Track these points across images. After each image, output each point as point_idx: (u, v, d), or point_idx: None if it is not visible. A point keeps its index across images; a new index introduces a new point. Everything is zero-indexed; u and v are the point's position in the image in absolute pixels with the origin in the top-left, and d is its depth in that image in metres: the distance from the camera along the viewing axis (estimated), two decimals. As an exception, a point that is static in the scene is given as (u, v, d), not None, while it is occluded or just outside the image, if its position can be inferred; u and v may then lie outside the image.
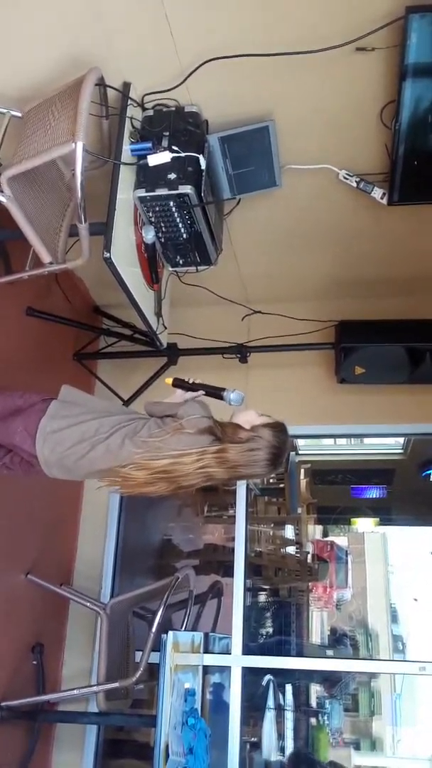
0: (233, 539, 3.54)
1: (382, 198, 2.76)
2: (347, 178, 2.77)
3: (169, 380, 2.18)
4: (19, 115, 2.43)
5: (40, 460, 2.04)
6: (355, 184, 2.77)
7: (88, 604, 3.17)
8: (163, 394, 2.33)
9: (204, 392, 2.15)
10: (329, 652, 6.27)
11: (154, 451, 1.98)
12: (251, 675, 3.61)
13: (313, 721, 5.59)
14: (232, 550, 3.50)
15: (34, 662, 3.14)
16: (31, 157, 2.14)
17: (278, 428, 2.04)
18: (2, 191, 2.21)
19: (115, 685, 2.74)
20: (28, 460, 2.11)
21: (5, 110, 2.46)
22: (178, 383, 2.17)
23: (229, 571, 3.59)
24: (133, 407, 3.49)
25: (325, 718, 5.72)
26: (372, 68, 2.34)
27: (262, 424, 2.03)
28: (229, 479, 2.05)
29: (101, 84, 2.34)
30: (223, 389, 2.14)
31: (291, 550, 5.86)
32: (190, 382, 2.16)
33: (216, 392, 2.15)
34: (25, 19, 2.27)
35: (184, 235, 2.72)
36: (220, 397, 2.14)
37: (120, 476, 1.98)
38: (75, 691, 3.03)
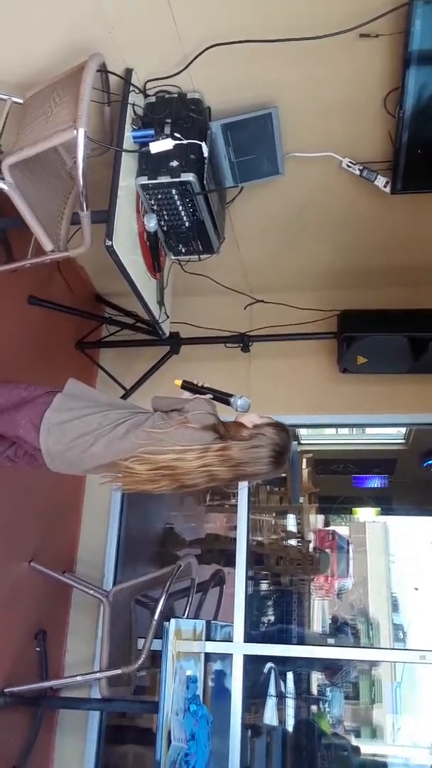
0: (235, 528, 3.55)
1: (385, 186, 2.74)
2: (350, 166, 2.76)
3: (179, 382, 2.18)
4: (21, 101, 2.41)
5: (44, 453, 2.04)
6: (358, 173, 2.75)
7: (90, 591, 3.19)
8: (166, 385, 2.32)
9: (212, 396, 2.15)
10: (330, 641, 6.31)
11: (157, 444, 1.97)
12: (253, 663, 3.63)
13: (314, 708, 5.64)
14: (234, 538, 3.51)
15: (37, 649, 3.16)
16: (32, 144, 2.13)
17: (280, 427, 2.06)
18: (3, 178, 2.20)
19: (118, 671, 2.76)
20: (32, 452, 2.11)
21: (6, 97, 2.45)
22: (187, 385, 2.17)
23: (230, 560, 3.61)
24: (135, 396, 3.50)
25: (326, 705, 5.76)
26: (376, 55, 2.32)
27: (264, 423, 2.05)
28: (232, 479, 2.04)
29: (103, 70, 2.33)
30: (231, 395, 2.14)
31: (293, 539, 5.89)
32: (199, 385, 2.16)
33: (223, 397, 2.15)
34: (26, 4, 2.25)
35: (187, 224, 2.71)
36: (227, 403, 2.14)
37: (122, 470, 1.98)
38: (78, 678, 3.05)
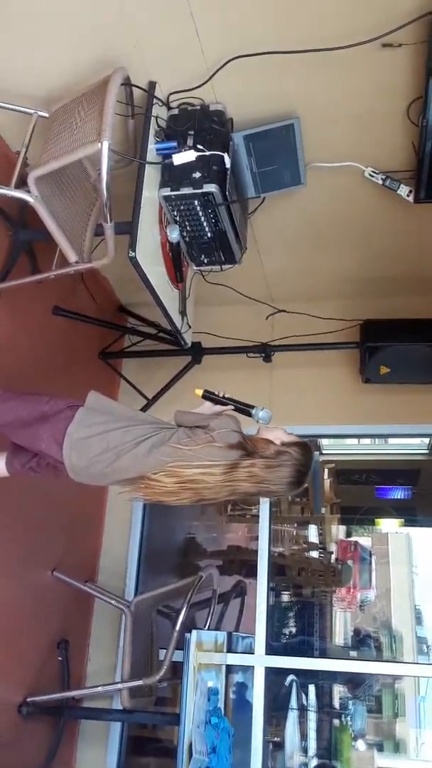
0: (256, 538, 3.53)
1: (408, 195, 2.73)
2: (373, 176, 2.75)
3: (199, 391, 2.17)
4: (46, 115, 2.45)
5: (67, 467, 2.04)
6: (380, 182, 2.75)
7: (112, 601, 3.19)
8: (188, 394, 2.30)
9: (233, 407, 2.14)
10: (353, 653, 6.23)
11: (184, 459, 1.98)
12: (274, 675, 3.60)
13: (336, 722, 5.56)
14: (256, 549, 3.50)
15: (60, 658, 3.16)
16: (57, 157, 2.16)
17: (306, 447, 2.06)
18: (29, 191, 2.24)
19: (139, 682, 2.75)
20: (55, 465, 2.11)
21: (32, 110, 2.49)
22: (208, 396, 2.16)
23: (252, 571, 3.59)
24: (157, 406, 3.50)
25: (348, 719, 5.69)
26: (398, 64, 2.32)
27: (291, 442, 2.04)
28: (254, 494, 2.05)
29: (127, 83, 2.36)
30: (253, 406, 2.13)
31: (315, 551, 5.84)
32: (221, 395, 2.15)
33: (245, 408, 2.13)
34: (51, 20, 2.29)
35: (209, 234, 2.72)
36: (248, 414, 2.13)
37: (147, 481, 1.99)
38: (99, 688, 3.04)
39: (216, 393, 2.15)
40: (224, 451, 1.99)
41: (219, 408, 2.15)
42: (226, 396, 2.15)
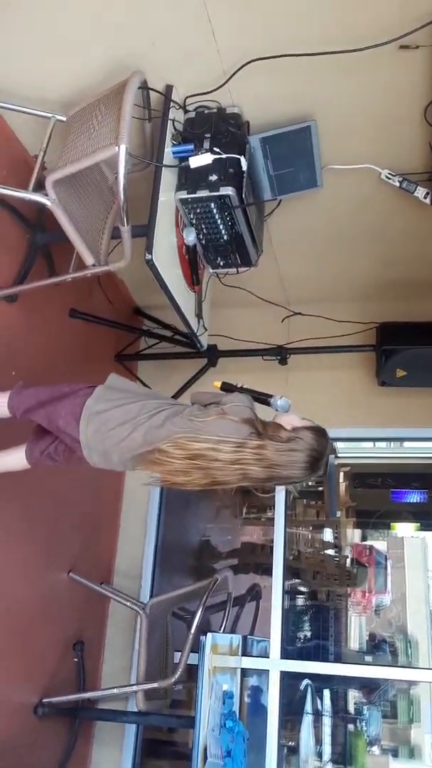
0: (272, 541, 3.52)
1: (425, 198, 2.72)
2: (390, 178, 2.74)
3: (218, 383, 2.18)
4: (64, 119, 2.47)
5: (82, 443, 2.04)
6: (397, 184, 2.73)
7: (128, 603, 3.20)
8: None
9: (252, 397, 2.13)
10: (368, 658, 6.19)
11: (193, 432, 1.96)
12: (289, 679, 3.59)
13: (351, 727, 5.53)
14: (271, 551, 3.49)
15: (75, 659, 3.18)
16: (75, 161, 2.18)
17: (319, 432, 2.01)
18: (47, 194, 2.25)
19: (154, 685, 2.75)
20: (71, 446, 2.12)
21: (50, 115, 2.51)
22: (227, 387, 2.17)
23: (267, 571, 3.58)
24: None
25: (363, 724, 5.65)
26: (416, 66, 2.31)
27: (303, 427, 2.01)
28: (265, 480, 2.01)
29: (144, 87, 2.37)
30: (271, 395, 2.13)
31: (330, 553, 5.81)
32: (239, 386, 2.16)
33: (263, 398, 2.13)
34: (68, 24, 2.31)
35: (225, 237, 2.73)
36: (267, 403, 2.13)
37: (157, 454, 1.96)
38: (115, 690, 3.05)
39: (234, 384, 2.15)
40: (235, 425, 1.97)
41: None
42: (245, 386, 2.15)
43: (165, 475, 2.00)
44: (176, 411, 2.05)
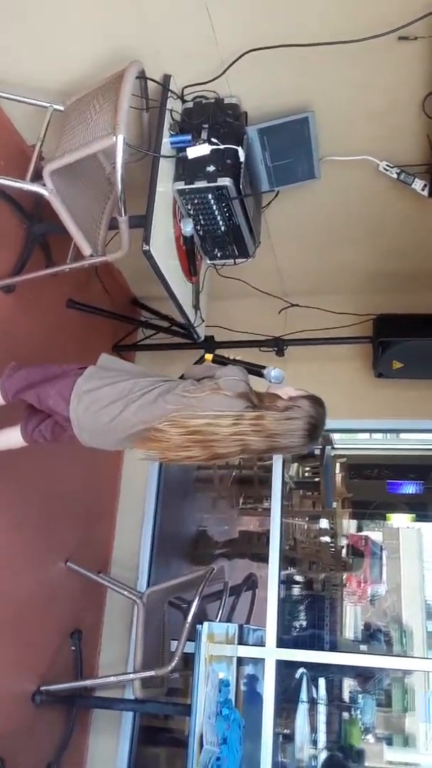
0: (268, 531, 3.55)
1: (423, 189, 2.72)
2: (387, 170, 2.74)
3: (209, 356, 2.19)
4: (61, 108, 2.46)
5: (73, 422, 2.02)
6: (395, 176, 2.73)
7: (125, 592, 3.21)
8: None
9: (245, 369, 2.12)
10: (363, 647, 6.24)
11: (188, 408, 1.95)
12: (285, 667, 3.62)
13: (345, 715, 5.58)
14: (267, 541, 3.51)
15: (72, 648, 3.20)
16: (72, 151, 2.17)
17: (316, 401, 2.02)
18: (45, 185, 2.25)
19: (151, 673, 2.77)
20: (62, 424, 2.10)
21: (47, 104, 2.50)
22: (219, 359, 2.16)
23: (263, 563, 3.60)
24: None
25: (358, 712, 5.70)
26: (414, 57, 2.30)
27: (300, 396, 2.01)
28: (265, 450, 2.01)
29: (142, 77, 2.36)
30: (264, 366, 2.12)
31: (325, 539, 5.85)
32: (231, 359, 2.15)
33: (256, 369, 2.13)
34: (66, 13, 2.29)
35: (223, 228, 2.72)
36: (260, 375, 2.12)
37: (153, 432, 1.95)
38: (112, 678, 3.08)
39: (226, 357, 2.16)
40: (230, 400, 1.96)
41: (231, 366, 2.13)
42: (237, 358, 2.16)
43: (164, 452, 1.98)
44: (169, 387, 2.03)
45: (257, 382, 2.13)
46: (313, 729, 5.03)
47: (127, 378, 2.07)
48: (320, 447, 4.86)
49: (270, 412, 1.95)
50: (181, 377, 2.18)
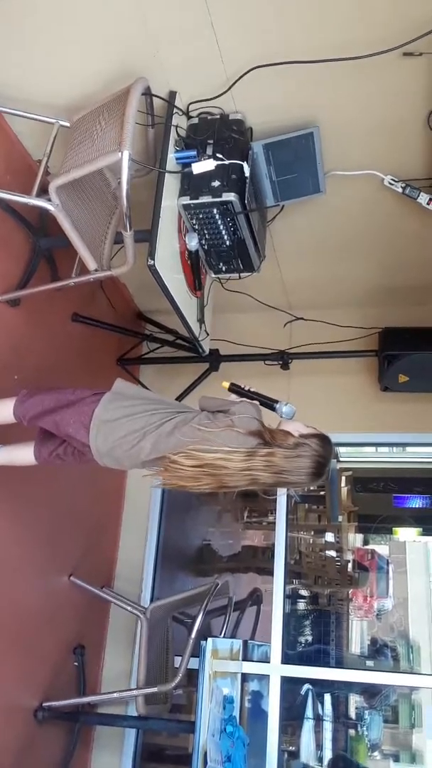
0: (273, 545, 3.52)
1: (428, 204, 2.72)
2: (392, 184, 2.74)
3: (226, 384, 2.21)
4: (68, 124, 2.48)
5: (93, 450, 2.09)
6: (400, 190, 2.74)
7: (128, 607, 3.20)
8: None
9: (258, 401, 2.16)
10: (369, 663, 6.17)
11: (203, 442, 2.00)
12: (290, 683, 3.58)
13: (351, 732, 5.52)
14: (272, 555, 3.49)
15: (75, 663, 3.18)
16: (78, 167, 2.18)
17: (324, 439, 2.06)
18: (50, 200, 2.26)
19: (154, 689, 2.75)
20: (81, 449, 2.17)
21: (54, 120, 2.52)
22: (234, 388, 2.19)
23: (268, 577, 3.58)
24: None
25: (365, 729, 5.63)
26: (419, 73, 2.31)
27: (309, 434, 2.05)
28: (272, 485, 2.06)
29: (147, 93, 2.37)
30: (277, 401, 2.16)
31: (331, 554, 5.81)
32: (246, 389, 2.19)
33: (269, 403, 2.17)
34: (73, 30, 2.32)
35: (227, 242, 2.73)
36: (272, 408, 2.17)
37: (167, 462, 2.01)
38: (115, 694, 3.05)
39: (242, 386, 2.19)
40: (243, 437, 2.01)
41: (245, 401, 2.17)
42: (252, 390, 2.19)
43: (174, 479, 2.03)
44: (185, 419, 2.08)
45: (267, 414, 2.16)
46: (319, 746, 4.97)
47: (144, 408, 2.12)
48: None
49: (281, 449, 2.00)
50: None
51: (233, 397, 2.20)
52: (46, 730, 2.88)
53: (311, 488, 5.46)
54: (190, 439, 2.01)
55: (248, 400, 2.15)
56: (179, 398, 3.59)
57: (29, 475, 2.66)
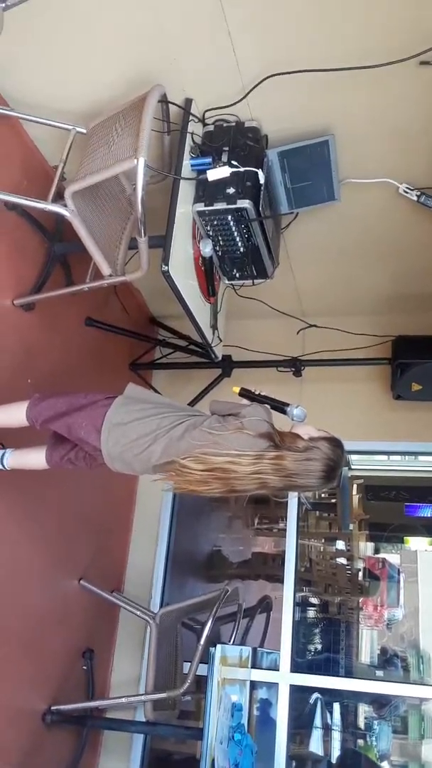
0: (283, 552, 3.51)
1: (443, 212, 2.72)
2: (408, 192, 2.74)
3: (237, 389, 2.21)
4: (84, 131, 2.50)
5: (104, 453, 2.09)
6: (415, 198, 2.73)
7: (138, 612, 3.19)
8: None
9: (269, 405, 2.15)
10: (379, 673, 6.13)
11: (212, 445, 2.00)
12: (299, 692, 3.56)
13: (360, 742, 5.48)
14: (282, 562, 3.47)
15: (84, 667, 3.18)
16: (94, 173, 2.20)
17: (335, 443, 2.04)
18: (66, 205, 2.28)
19: (163, 695, 2.74)
20: (92, 453, 2.17)
21: (70, 126, 2.54)
22: (245, 393, 2.19)
23: (278, 584, 3.56)
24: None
25: (373, 739, 5.59)
26: (436, 82, 2.31)
27: (320, 437, 2.03)
28: (282, 488, 2.04)
29: (164, 101, 2.39)
30: (288, 404, 2.15)
31: (341, 562, 5.78)
32: (257, 393, 2.18)
33: (280, 406, 2.15)
34: (91, 39, 2.34)
35: (241, 249, 2.74)
36: (284, 412, 2.15)
37: (177, 466, 2.01)
38: (123, 699, 3.05)
39: (253, 391, 2.19)
40: (253, 440, 2.01)
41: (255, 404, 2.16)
42: (262, 394, 2.18)
43: (184, 484, 2.03)
44: (195, 423, 2.08)
45: (278, 417, 2.15)
46: (327, 755, 4.93)
47: (155, 412, 2.13)
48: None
49: (290, 452, 1.99)
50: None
51: (244, 401, 2.20)
52: (54, 734, 2.88)
53: (322, 496, 5.45)
54: (201, 443, 2.01)
55: (259, 404, 2.15)
56: (191, 404, 3.60)
57: (41, 479, 2.67)
